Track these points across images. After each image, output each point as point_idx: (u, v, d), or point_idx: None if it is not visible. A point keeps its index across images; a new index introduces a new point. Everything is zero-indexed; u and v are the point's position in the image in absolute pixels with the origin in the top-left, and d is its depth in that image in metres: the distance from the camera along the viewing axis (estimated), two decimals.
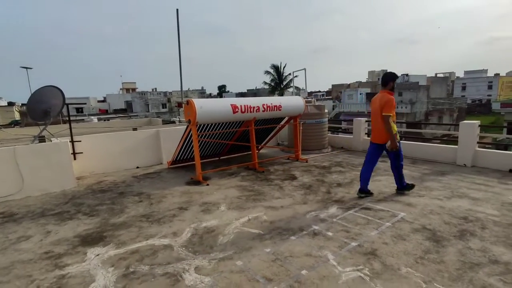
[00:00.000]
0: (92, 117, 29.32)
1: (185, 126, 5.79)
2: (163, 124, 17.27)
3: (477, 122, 5.70)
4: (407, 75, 41.03)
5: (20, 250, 3.12)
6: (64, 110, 6.14)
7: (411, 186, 4.39)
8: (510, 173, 5.19)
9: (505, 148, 8.71)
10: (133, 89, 55.37)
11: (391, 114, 3.89)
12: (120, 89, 57.44)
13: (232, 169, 6.23)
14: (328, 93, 58.23)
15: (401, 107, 30.83)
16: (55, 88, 5.05)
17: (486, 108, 34.40)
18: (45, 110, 4.96)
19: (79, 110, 39.15)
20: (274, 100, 6.35)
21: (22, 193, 4.87)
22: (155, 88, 50.60)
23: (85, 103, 43.45)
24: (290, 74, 36.05)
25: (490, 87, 43.52)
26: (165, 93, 49.17)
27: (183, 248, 2.99)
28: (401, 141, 4.38)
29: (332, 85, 57.56)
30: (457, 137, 5.89)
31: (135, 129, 8.40)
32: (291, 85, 32.15)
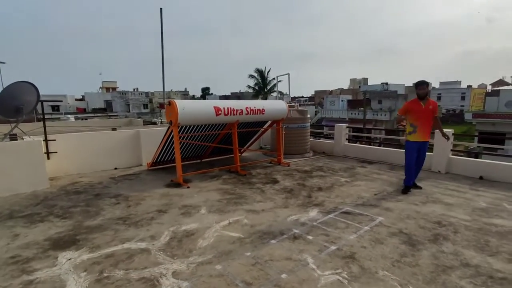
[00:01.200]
0: (69, 115, 28.23)
1: (167, 127, 5.68)
2: (144, 124, 16.87)
3: (451, 130, 5.95)
4: (386, 83, 42.42)
5: None
6: (39, 108, 5.87)
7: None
8: (481, 179, 5.44)
9: (476, 156, 9.16)
10: (114, 88, 53.88)
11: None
12: (100, 88, 55.79)
13: (214, 171, 6.17)
14: (311, 98, 59.18)
15: (380, 115, 31.80)
16: (28, 84, 4.81)
17: (459, 118, 36.12)
18: (17, 107, 4.71)
19: (55, 108, 37.65)
20: (258, 103, 6.37)
21: None
22: (137, 88, 49.56)
23: (62, 101, 41.82)
24: (274, 78, 36.38)
25: (463, 98, 45.75)
26: (147, 94, 48.24)
27: (161, 252, 2.91)
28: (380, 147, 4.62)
29: (315, 91, 58.54)
30: (433, 144, 6.12)
31: (114, 129, 8.14)
32: (275, 89, 32.41)
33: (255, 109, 6.06)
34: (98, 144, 6.44)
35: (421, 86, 4.53)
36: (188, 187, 5.08)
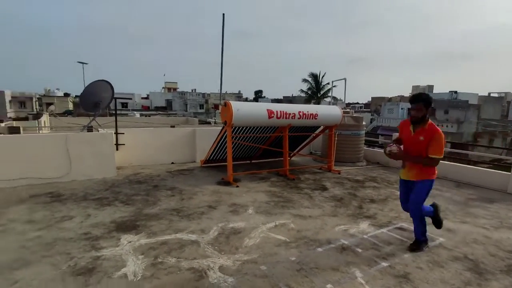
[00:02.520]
0: (135, 112, 31.13)
1: (221, 127, 5.92)
2: (199, 124, 17.77)
3: None
4: (455, 92, 38.45)
5: (63, 228, 3.38)
6: (112, 104, 6.60)
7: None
8: None
9: None
10: (174, 89, 57.92)
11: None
12: (163, 88, 60.46)
13: (263, 173, 6.24)
14: (367, 105, 56.35)
15: (446, 126, 28.90)
16: (106, 82, 5.45)
17: None
18: (96, 102, 5.37)
19: (124, 105, 41.79)
20: (311, 108, 6.28)
21: (69, 176, 5.28)
22: (195, 89, 52.57)
23: (131, 99, 46.29)
24: (328, 83, 35.49)
25: None
26: (203, 95, 50.84)
27: (209, 246, 3.04)
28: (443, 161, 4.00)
29: (372, 98, 55.63)
30: (511, 163, 5.37)
31: (173, 126, 8.76)
32: (329, 94, 31.58)
33: (308, 114, 5.99)
34: (159, 139, 6.99)
35: (414, 104, 2.93)
36: (238, 186, 5.22)
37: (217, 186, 5.23)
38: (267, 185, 5.40)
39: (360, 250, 3.05)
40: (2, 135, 5.44)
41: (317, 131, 7.07)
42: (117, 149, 6.28)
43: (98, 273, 2.52)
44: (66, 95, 46.99)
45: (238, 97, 58.49)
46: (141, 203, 4.25)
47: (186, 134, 7.32)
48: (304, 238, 3.29)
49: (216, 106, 41.42)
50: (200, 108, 48.42)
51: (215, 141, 6.05)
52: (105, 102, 5.44)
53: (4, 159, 4.83)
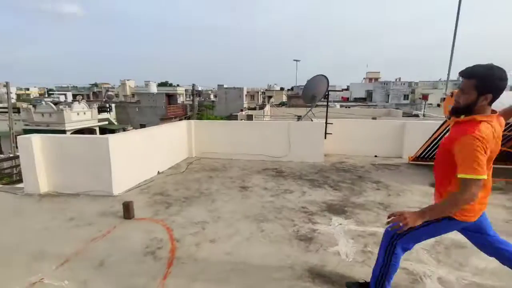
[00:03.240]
0: (336, 103, 32.53)
1: (441, 122, 5.09)
2: (403, 116, 16.11)
3: None
4: None
5: (286, 199, 4.15)
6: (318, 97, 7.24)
7: None
8: None
9: None
10: (376, 79, 55.27)
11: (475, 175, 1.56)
12: (364, 78, 59.21)
13: (498, 183, 4.85)
14: None
15: None
16: (323, 76, 6.03)
17: None
18: (312, 95, 6.08)
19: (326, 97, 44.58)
20: None
21: (287, 157, 6.36)
22: (399, 78, 47.78)
23: (345, 89, 48.70)
24: None
25: None
26: (409, 84, 45.33)
27: (425, 252, 2.77)
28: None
29: None
30: None
31: (374, 118, 8.48)
32: None
33: None
34: (363, 131, 6.99)
35: (463, 81, 1.67)
36: None
37: (431, 188, 4.60)
38: (506, 198, 4.17)
39: None
40: (243, 121, 7.29)
41: None
42: (325, 138, 6.87)
43: (315, 244, 2.92)
44: (281, 89, 56.08)
45: (455, 84, 47.59)
46: (348, 191, 4.47)
47: (393, 127, 6.86)
48: None
49: (424, 97, 35.91)
50: (404, 99, 43.60)
51: (431, 137, 5.30)
52: (320, 94, 6.06)
53: (248, 140, 6.48)
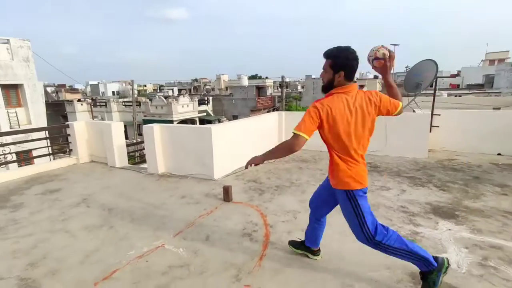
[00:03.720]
0: (442, 91, 28.14)
1: None
2: None
3: None
4: None
5: (382, 196, 3.87)
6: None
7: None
8: None
9: None
10: (501, 60, 45.17)
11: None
12: (482, 60, 49.23)
13: None
14: None
15: None
16: (431, 61, 5.29)
17: None
18: (417, 82, 5.41)
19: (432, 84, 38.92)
20: None
21: (383, 151, 5.88)
22: None
23: (456, 76, 42.02)
24: None
25: None
26: None
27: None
28: None
29: None
30: None
31: (496, 108, 6.98)
32: None
33: None
34: (480, 124, 5.88)
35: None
36: None
37: None
38: None
39: None
40: None
41: None
42: (430, 131, 6.06)
43: None
44: (375, 77, 51.62)
45: None
46: (459, 193, 3.87)
47: None
48: None
49: None
50: None
51: None
52: (426, 81, 5.34)
53: None
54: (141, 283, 2.30)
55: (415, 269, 2.35)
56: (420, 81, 5.38)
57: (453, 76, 50.37)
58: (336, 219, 3.23)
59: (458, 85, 44.49)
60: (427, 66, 5.38)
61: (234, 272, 2.40)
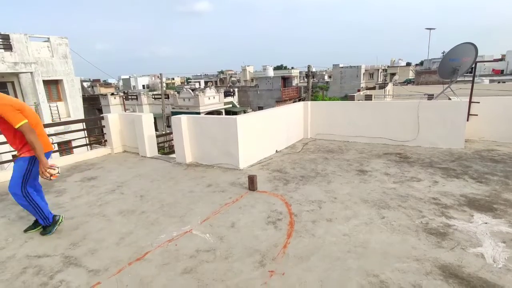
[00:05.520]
0: (483, 78, 26.16)
1: None
2: None
3: None
4: None
5: (412, 187, 3.72)
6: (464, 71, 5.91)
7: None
8: None
9: None
10: None
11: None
12: None
13: None
14: None
15: None
16: (470, 44, 4.92)
17: None
18: (454, 68, 5.07)
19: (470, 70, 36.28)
20: None
21: (415, 141, 5.63)
22: None
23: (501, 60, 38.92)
24: None
25: None
26: None
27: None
28: None
29: None
30: None
31: None
32: None
33: None
34: None
35: None
36: None
37: None
38: None
39: None
40: (361, 101, 6.77)
41: None
42: (467, 120, 5.69)
43: (450, 240, 2.55)
44: (408, 64, 49.01)
45: None
46: (498, 185, 3.63)
47: None
48: None
49: None
50: None
51: None
52: (464, 67, 4.98)
53: (366, 121, 6.05)
54: (171, 264, 2.42)
55: (445, 261, 2.28)
56: (457, 67, 5.04)
57: (496, 60, 46.48)
58: (362, 210, 3.18)
59: (502, 71, 40.98)
60: (465, 50, 5.02)
61: (259, 258, 2.45)
